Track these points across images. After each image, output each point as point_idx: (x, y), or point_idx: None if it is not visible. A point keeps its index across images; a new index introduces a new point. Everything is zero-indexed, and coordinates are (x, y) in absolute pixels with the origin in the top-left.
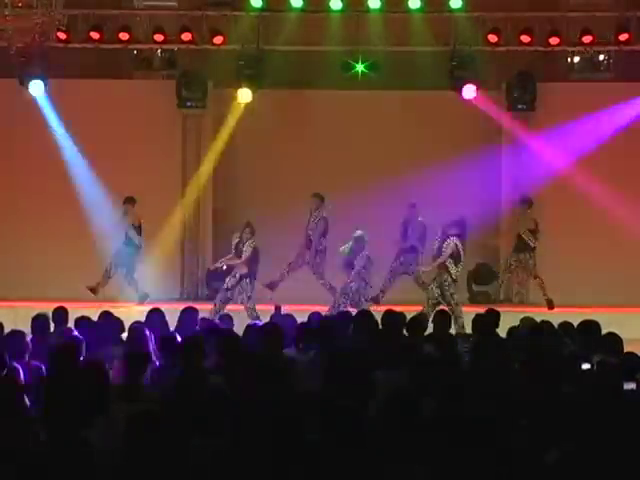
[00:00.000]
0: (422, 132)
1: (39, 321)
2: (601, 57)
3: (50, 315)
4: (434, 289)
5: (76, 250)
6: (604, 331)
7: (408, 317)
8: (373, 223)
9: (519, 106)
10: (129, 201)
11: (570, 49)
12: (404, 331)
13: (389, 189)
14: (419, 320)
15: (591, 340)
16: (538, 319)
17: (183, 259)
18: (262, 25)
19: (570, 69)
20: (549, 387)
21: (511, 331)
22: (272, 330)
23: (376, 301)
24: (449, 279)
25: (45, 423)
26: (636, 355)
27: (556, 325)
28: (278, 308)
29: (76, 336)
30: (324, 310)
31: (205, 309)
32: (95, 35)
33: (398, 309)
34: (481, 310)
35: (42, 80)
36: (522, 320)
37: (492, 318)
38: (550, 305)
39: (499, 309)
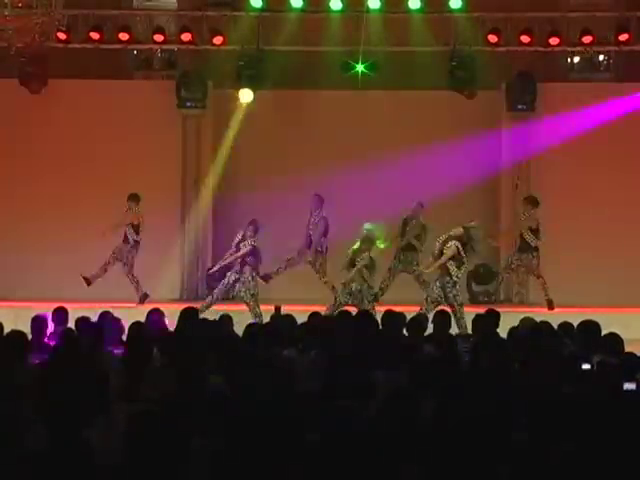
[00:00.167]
0: (422, 132)
1: (39, 322)
2: (601, 57)
3: (50, 315)
4: (436, 290)
5: (76, 250)
6: (605, 331)
7: (408, 317)
8: (373, 222)
9: (519, 106)
10: (132, 198)
11: (570, 49)
12: (404, 331)
13: (389, 189)
14: (419, 320)
15: (591, 340)
16: (538, 319)
17: (183, 259)
18: (262, 25)
19: (570, 69)
20: (549, 387)
21: (511, 331)
22: (272, 330)
23: (376, 299)
24: (450, 281)
25: (45, 423)
26: (636, 355)
27: (556, 325)
28: (278, 308)
29: (76, 336)
30: (324, 310)
31: None
32: (95, 35)
33: (398, 309)
34: (481, 310)
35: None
36: (522, 320)
37: (492, 318)
38: (550, 305)
39: (499, 309)
